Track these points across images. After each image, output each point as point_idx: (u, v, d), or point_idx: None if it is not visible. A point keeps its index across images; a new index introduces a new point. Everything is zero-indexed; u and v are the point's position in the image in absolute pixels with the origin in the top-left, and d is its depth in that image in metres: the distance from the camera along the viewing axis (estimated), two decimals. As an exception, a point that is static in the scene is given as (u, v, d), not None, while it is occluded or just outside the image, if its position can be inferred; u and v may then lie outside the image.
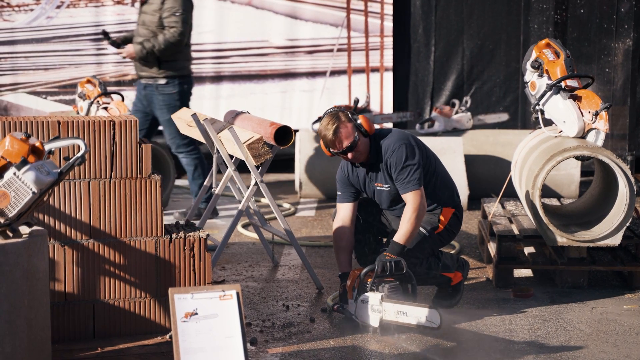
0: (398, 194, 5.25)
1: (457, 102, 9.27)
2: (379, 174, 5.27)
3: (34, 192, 3.91)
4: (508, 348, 4.74)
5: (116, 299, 4.71)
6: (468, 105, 9.40)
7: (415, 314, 4.77)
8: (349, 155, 5.20)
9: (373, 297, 4.92)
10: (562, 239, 5.60)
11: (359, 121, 5.18)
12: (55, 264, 4.62)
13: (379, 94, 10.15)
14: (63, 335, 4.65)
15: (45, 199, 4.06)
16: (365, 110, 9.13)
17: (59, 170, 4.01)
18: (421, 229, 5.28)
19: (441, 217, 5.36)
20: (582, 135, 5.79)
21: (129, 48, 7.64)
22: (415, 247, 5.25)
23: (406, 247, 5.13)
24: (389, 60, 10.18)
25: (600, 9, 9.92)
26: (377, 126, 4.96)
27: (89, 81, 7.73)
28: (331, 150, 5.20)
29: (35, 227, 4.12)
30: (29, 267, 3.97)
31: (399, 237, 5.13)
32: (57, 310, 4.61)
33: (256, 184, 5.86)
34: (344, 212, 5.37)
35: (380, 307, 4.88)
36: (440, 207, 5.37)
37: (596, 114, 5.69)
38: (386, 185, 5.27)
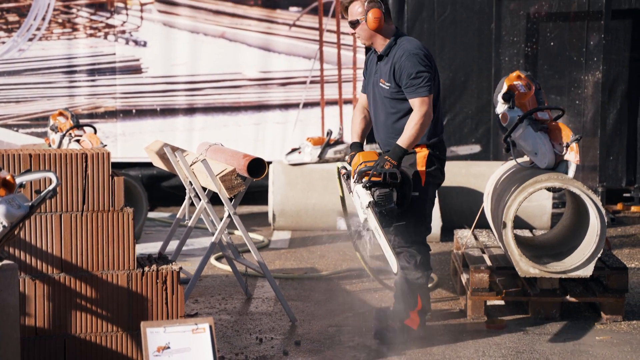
0: (393, 102, 5.30)
1: (429, 133, 9.31)
2: (385, 69, 5.32)
3: (4, 226, 3.88)
4: (482, 380, 4.74)
5: (88, 333, 4.67)
6: (440, 137, 9.44)
7: (385, 248, 4.92)
8: (352, 30, 5.36)
9: (363, 197, 5.04)
10: (534, 270, 5.62)
11: (369, 13, 5.22)
12: (26, 298, 4.57)
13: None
14: (33, 370, 4.59)
15: (16, 232, 4.03)
16: (339, 142, 9.15)
17: (30, 204, 3.98)
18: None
19: (417, 161, 5.33)
20: (553, 167, 5.83)
21: None
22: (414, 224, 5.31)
23: (408, 151, 5.18)
24: (361, 93, 10.21)
25: (570, 42, 10.04)
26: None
27: (61, 114, 7.71)
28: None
29: (5, 261, 4.08)
30: (-1, 302, 3.94)
31: (402, 140, 5.18)
32: (27, 345, 4.55)
33: (229, 216, 5.85)
34: (362, 99, 5.60)
35: (366, 211, 5.00)
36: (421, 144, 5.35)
37: (567, 146, 5.74)
38: (387, 84, 5.31)
